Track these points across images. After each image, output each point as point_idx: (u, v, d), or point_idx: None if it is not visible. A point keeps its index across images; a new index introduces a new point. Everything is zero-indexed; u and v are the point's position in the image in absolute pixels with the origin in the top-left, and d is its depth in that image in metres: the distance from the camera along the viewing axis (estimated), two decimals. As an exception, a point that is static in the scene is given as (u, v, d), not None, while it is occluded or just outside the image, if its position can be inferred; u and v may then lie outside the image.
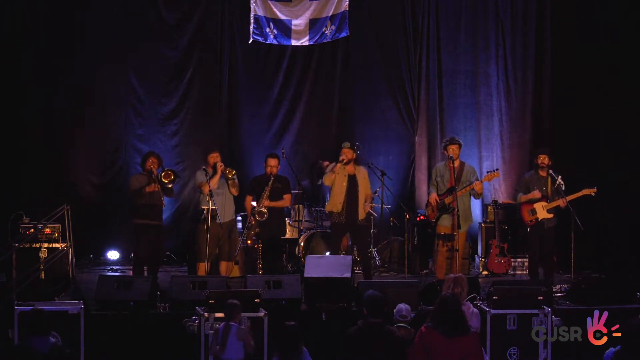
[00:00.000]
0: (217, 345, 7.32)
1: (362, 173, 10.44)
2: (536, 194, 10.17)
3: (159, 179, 9.98)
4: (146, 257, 10.16)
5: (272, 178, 10.39)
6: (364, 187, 10.39)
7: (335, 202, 10.31)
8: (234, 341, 7.24)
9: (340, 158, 10.25)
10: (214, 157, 10.34)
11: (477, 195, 10.42)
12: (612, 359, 6.17)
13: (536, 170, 10.35)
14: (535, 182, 10.30)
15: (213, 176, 10.19)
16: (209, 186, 10.03)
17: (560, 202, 10.12)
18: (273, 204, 10.45)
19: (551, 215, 10.21)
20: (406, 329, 7.33)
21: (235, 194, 10.47)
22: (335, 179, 10.25)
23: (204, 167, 10.37)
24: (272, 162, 10.50)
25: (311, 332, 8.09)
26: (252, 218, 10.44)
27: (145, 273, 10.06)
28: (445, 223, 10.28)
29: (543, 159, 10.22)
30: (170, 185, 10.07)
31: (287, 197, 10.65)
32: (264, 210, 10.33)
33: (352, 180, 10.31)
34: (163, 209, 10.33)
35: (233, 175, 10.28)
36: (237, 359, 7.24)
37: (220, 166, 10.24)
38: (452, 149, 10.27)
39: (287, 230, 11.22)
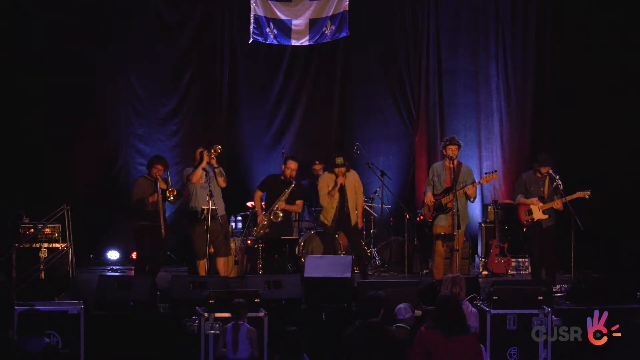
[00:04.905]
0: (223, 346, 7.35)
1: (350, 180, 10.46)
2: (535, 201, 10.18)
3: (163, 194, 10.01)
4: (148, 258, 10.18)
5: (294, 183, 10.44)
6: (353, 193, 10.47)
7: (327, 215, 10.46)
8: (244, 341, 7.26)
9: (339, 181, 10.28)
10: (200, 150, 10.27)
11: (471, 200, 10.44)
12: None
13: (534, 171, 10.35)
14: (533, 183, 10.31)
15: (198, 165, 10.15)
16: (193, 178, 10.04)
17: (556, 203, 10.13)
18: (288, 207, 10.52)
19: (546, 216, 10.22)
20: (404, 329, 7.33)
21: (223, 185, 10.34)
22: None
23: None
24: (293, 165, 10.60)
25: (311, 332, 8.08)
26: (264, 217, 10.45)
27: (146, 273, 10.09)
28: (442, 223, 10.29)
29: (545, 172, 10.20)
30: (171, 199, 10.10)
31: (299, 203, 10.78)
32: (280, 212, 10.37)
33: (342, 190, 10.40)
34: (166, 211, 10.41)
35: (218, 151, 10.11)
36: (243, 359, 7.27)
37: (206, 154, 10.13)
38: (451, 149, 10.27)
39: (294, 233, 11.27)
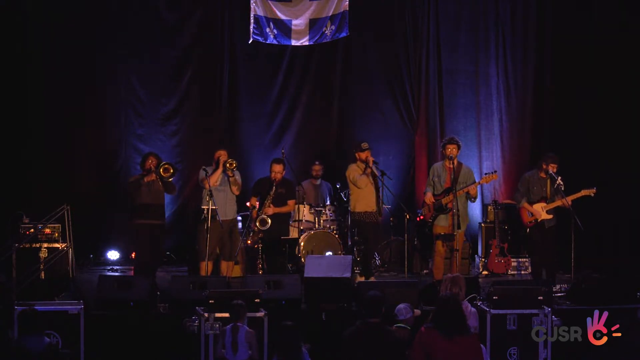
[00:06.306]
0: (223, 347, 7.35)
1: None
2: (538, 210, 10.17)
3: (158, 173, 10.02)
4: (148, 258, 10.19)
5: (274, 185, 10.42)
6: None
7: (369, 202, 10.40)
8: (242, 343, 7.27)
9: (372, 160, 10.32)
10: (219, 154, 10.34)
11: (472, 199, 10.44)
12: None
13: (537, 171, 10.35)
14: (536, 182, 10.31)
15: (215, 170, 10.20)
16: (209, 182, 10.04)
17: (561, 203, 10.12)
18: (277, 210, 10.52)
19: (550, 216, 10.22)
20: (404, 329, 7.33)
21: (237, 193, 10.45)
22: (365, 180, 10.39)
23: (204, 167, 10.38)
24: (277, 168, 10.55)
25: (311, 332, 8.09)
26: (254, 224, 10.47)
27: (145, 273, 10.09)
28: (442, 223, 10.28)
29: (553, 168, 10.21)
30: (169, 180, 10.10)
31: (291, 202, 10.77)
32: (266, 218, 10.35)
33: (372, 176, 10.47)
34: (164, 208, 10.36)
35: (233, 167, 10.23)
36: None
37: (222, 160, 10.21)
38: (451, 149, 10.26)
39: (290, 231, 11.25)
